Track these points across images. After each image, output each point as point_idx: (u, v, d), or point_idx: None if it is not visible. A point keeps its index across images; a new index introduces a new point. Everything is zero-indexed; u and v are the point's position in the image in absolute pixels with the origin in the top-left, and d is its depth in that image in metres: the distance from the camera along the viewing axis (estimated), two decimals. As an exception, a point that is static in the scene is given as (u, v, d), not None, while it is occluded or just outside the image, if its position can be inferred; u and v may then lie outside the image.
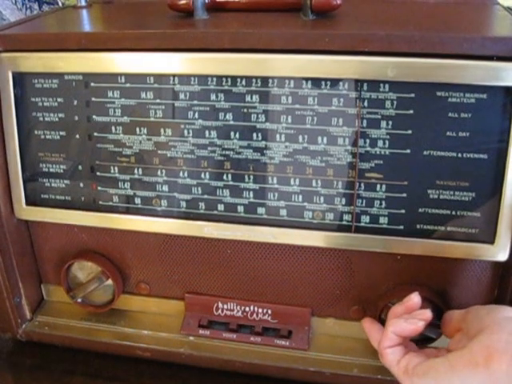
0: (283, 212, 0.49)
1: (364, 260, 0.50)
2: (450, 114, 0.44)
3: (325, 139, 0.46)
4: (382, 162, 0.46)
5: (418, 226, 0.47)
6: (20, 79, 0.50)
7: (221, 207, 0.50)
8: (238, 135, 0.48)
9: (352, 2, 0.51)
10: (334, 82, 0.45)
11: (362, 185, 0.47)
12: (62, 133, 0.51)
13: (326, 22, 0.48)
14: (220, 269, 0.54)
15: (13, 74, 0.50)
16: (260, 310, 0.54)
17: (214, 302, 0.55)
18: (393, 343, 0.43)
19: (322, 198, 0.48)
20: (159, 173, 0.50)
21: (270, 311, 0.54)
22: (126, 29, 0.50)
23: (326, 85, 0.45)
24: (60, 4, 0.70)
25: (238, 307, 0.55)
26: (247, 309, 0.55)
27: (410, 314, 0.43)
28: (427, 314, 0.42)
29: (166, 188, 0.50)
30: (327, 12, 0.48)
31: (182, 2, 0.50)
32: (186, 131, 0.48)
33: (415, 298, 0.43)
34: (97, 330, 0.57)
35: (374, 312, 0.51)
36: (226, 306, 0.55)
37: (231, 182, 0.49)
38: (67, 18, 0.59)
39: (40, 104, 0.51)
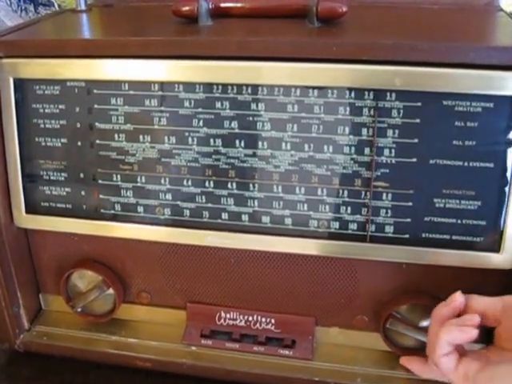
0: (288, 221, 0.50)
1: (369, 269, 0.51)
2: (456, 123, 0.45)
3: (331, 148, 0.47)
4: (388, 170, 0.47)
5: (423, 235, 0.48)
6: (21, 85, 0.51)
7: (225, 216, 0.51)
8: (243, 143, 0.49)
9: (356, 9, 0.52)
10: (341, 91, 0.46)
11: (368, 194, 0.48)
12: (63, 140, 0.52)
13: (332, 30, 0.49)
14: (223, 278, 0.54)
15: (14, 80, 0.50)
16: (263, 320, 0.55)
17: (217, 312, 0.56)
18: (446, 351, 0.42)
19: (327, 207, 0.49)
20: (162, 181, 0.51)
21: (273, 320, 0.55)
22: (128, 35, 0.51)
23: (332, 93, 0.46)
24: (56, 6, 0.71)
25: (241, 316, 0.55)
26: (250, 318, 0.55)
27: (459, 320, 0.42)
28: (476, 319, 0.42)
29: (169, 196, 0.51)
30: (333, 19, 0.49)
31: (186, 8, 0.51)
32: (190, 139, 0.49)
33: (460, 298, 0.43)
34: (96, 340, 0.57)
35: (379, 321, 0.52)
36: (228, 316, 0.56)
37: (236, 191, 0.50)
38: (67, 22, 0.60)
39: (41, 111, 0.52)
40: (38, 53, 0.50)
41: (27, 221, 0.55)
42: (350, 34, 0.49)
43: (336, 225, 0.49)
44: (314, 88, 0.46)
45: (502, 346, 0.43)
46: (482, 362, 0.41)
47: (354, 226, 0.49)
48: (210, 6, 0.52)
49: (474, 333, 0.41)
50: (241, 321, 0.56)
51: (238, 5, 0.52)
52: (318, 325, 0.55)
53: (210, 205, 0.51)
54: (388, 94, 0.45)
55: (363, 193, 0.48)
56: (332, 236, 0.49)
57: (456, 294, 0.44)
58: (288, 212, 0.49)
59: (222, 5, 0.52)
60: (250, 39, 0.46)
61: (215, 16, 0.53)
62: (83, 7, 0.61)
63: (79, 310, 0.57)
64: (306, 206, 0.49)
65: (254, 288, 0.54)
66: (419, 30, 0.51)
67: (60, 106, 0.51)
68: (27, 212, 0.54)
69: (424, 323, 0.51)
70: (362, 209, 0.48)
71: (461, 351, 0.43)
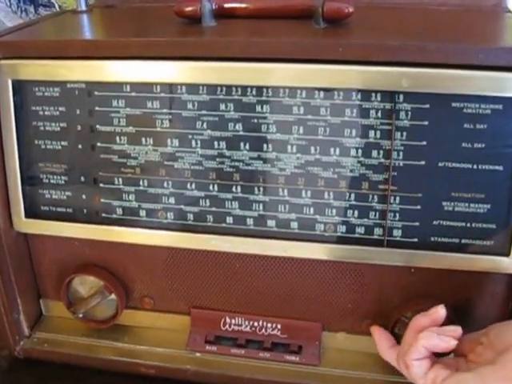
0: (294, 225, 0.49)
1: (376, 273, 0.51)
2: (465, 125, 0.45)
3: (337, 150, 0.47)
4: (395, 173, 0.46)
5: (432, 239, 0.47)
6: (20, 87, 0.50)
7: (229, 220, 0.50)
8: (247, 146, 0.48)
9: (362, 10, 0.51)
10: (347, 92, 0.45)
11: (375, 197, 0.47)
12: (63, 143, 0.51)
13: (338, 31, 0.48)
14: (228, 283, 0.54)
15: (12, 82, 0.50)
16: (269, 325, 0.55)
17: (221, 317, 0.55)
18: (421, 356, 0.43)
19: (334, 211, 0.48)
20: (165, 184, 0.50)
21: (279, 326, 0.54)
22: (130, 35, 0.50)
23: (338, 95, 0.45)
24: (57, 7, 0.70)
25: (246, 322, 0.55)
26: (256, 324, 0.55)
27: (440, 329, 0.43)
28: (459, 331, 0.43)
29: (172, 200, 0.50)
30: (339, 20, 0.49)
31: (189, 9, 0.50)
32: (193, 142, 0.49)
33: (441, 311, 0.44)
34: (98, 347, 0.57)
35: (387, 326, 0.51)
36: (233, 321, 0.55)
37: (240, 194, 0.49)
38: (68, 23, 0.59)
39: (41, 113, 0.51)
40: (37, 54, 0.49)
41: (27, 225, 0.54)
42: (357, 35, 0.49)
43: (343, 229, 0.49)
44: (320, 90, 0.45)
45: (474, 359, 0.43)
46: (451, 371, 0.42)
47: (361, 230, 0.48)
48: (214, 7, 0.51)
49: (452, 343, 0.43)
50: (246, 326, 0.55)
51: (243, 5, 0.52)
52: (325, 330, 0.54)
53: (214, 209, 0.50)
54: (396, 95, 0.44)
55: (370, 196, 0.47)
56: (339, 240, 0.49)
57: (439, 306, 0.45)
58: (294, 216, 0.49)
59: (226, 5, 0.52)
60: (255, 40, 0.45)
61: (219, 17, 0.52)
62: (84, 8, 0.60)
63: (81, 315, 0.57)
64: (312, 209, 0.48)
65: (260, 293, 0.54)
66: (426, 31, 0.51)
67: (60, 108, 0.50)
68: (27, 216, 0.53)
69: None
70: (369, 212, 0.48)
71: (432, 359, 0.44)
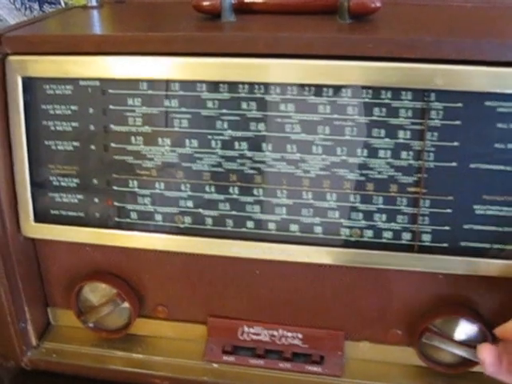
0: (318, 229, 0.47)
1: (403, 279, 0.49)
2: (498, 125, 0.43)
3: (365, 151, 0.45)
4: (425, 175, 0.45)
5: (462, 244, 0.46)
6: (30, 85, 0.48)
7: (250, 224, 0.48)
8: (270, 147, 0.46)
9: (386, 7, 0.49)
10: (377, 91, 0.43)
11: (404, 200, 0.45)
12: (75, 143, 0.49)
13: (365, 26, 0.46)
14: (246, 290, 0.52)
15: (22, 79, 0.48)
16: (289, 334, 0.52)
17: (239, 326, 0.53)
18: None
19: (360, 215, 0.46)
20: (183, 187, 0.48)
21: (300, 335, 0.52)
22: (144, 31, 0.48)
23: (367, 93, 0.44)
24: (62, 3, 0.68)
25: (266, 331, 0.53)
26: (275, 333, 0.53)
27: None
28: None
29: (190, 204, 0.48)
30: (365, 15, 0.47)
31: (208, 3, 0.48)
32: (213, 142, 0.47)
33: None
34: (110, 357, 0.55)
35: (414, 335, 0.49)
36: (252, 330, 0.53)
37: (262, 197, 0.47)
38: (77, 19, 0.57)
39: (52, 112, 0.49)
40: (48, 49, 0.47)
41: (36, 230, 0.52)
42: (385, 31, 0.47)
43: (369, 233, 0.47)
44: (347, 87, 0.44)
45: None
46: None
47: (388, 235, 0.46)
48: (234, 1, 0.49)
49: None
50: (265, 336, 0.53)
51: (264, 0, 0.50)
52: (348, 339, 0.52)
53: (234, 212, 0.48)
54: (427, 94, 0.43)
55: (399, 199, 0.45)
56: (365, 245, 0.47)
57: None
58: (318, 220, 0.47)
59: (246, 0, 0.50)
60: (280, 35, 0.43)
61: (238, 12, 0.50)
62: (94, 3, 0.58)
63: (91, 325, 0.54)
64: (337, 213, 0.47)
65: (280, 301, 0.52)
66: (456, 28, 0.49)
67: (72, 107, 0.48)
68: (36, 221, 0.51)
69: (462, 337, 0.49)
70: (397, 216, 0.46)
71: None
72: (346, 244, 0.47)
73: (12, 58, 0.47)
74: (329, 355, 0.52)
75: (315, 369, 0.52)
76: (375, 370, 0.52)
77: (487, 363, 0.42)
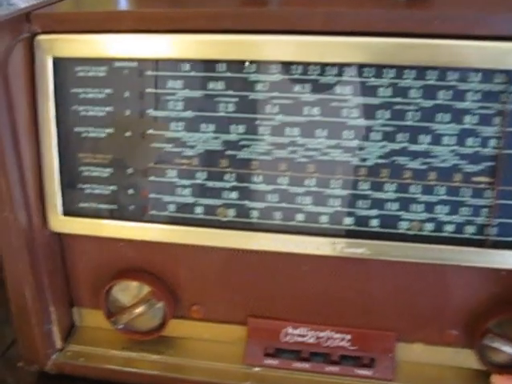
0: (374, 222, 0.44)
1: (462, 276, 0.46)
2: None
3: (428, 138, 0.42)
4: (493, 163, 0.42)
5: (531, 238, 0.43)
6: (60, 66, 0.44)
7: (300, 217, 0.45)
8: (325, 133, 0.43)
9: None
10: (442, 71, 0.40)
11: (469, 190, 0.42)
12: (108, 130, 0.46)
13: (424, 3, 0.43)
14: (291, 288, 0.48)
15: (53, 61, 0.44)
16: (337, 336, 0.49)
17: (283, 327, 0.50)
18: None
19: (420, 206, 0.43)
20: (227, 177, 0.45)
21: (348, 336, 0.49)
22: (184, 7, 0.45)
23: (431, 74, 0.40)
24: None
25: (311, 332, 0.49)
26: (322, 334, 0.49)
27: None
28: None
29: (234, 195, 0.45)
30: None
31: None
32: (262, 128, 0.43)
33: None
34: (141, 361, 0.51)
35: (472, 335, 0.46)
36: (296, 332, 0.50)
37: (314, 188, 0.44)
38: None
39: (83, 96, 0.45)
40: (81, 28, 0.44)
41: (64, 224, 0.48)
42: (448, 8, 0.44)
43: (430, 226, 0.43)
44: (411, 68, 0.40)
45: None
46: None
47: (450, 228, 0.43)
48: (280, -24, 0.46)
49: None
50: (310, 337, 0.49)
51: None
52: (400, 341, 0.49)
53: (283, 204, 0.45)
54: (499, 74, 0.40)
55: (463, 190, 0.42)
56: (424, 239, 0.44)
57: None
58: (375, 212, 0.44)
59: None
60: (340, 10, 0.40)
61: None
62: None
63: (121, 326, 0.51)
64: (396, 205, 0.43)
65: (327, 299, 0.48)
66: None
67: (106, 91, 0.45)
68: (64, 214, 0.48)
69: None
70: (460, 208, 0.43)
71: None
72: (405, 238, 0.44)
73: (42, 37, 0.44)
74: (379, 358, 0.49)
75: (365, 372, 0.48)
76: (429, 373, 0.48)
77: None
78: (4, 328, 0.60)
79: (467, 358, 0.48)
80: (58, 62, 0.44)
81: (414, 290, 0.47)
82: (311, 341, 0.50)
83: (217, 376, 0.50)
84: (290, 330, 0.50)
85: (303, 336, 0.50)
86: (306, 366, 0.49)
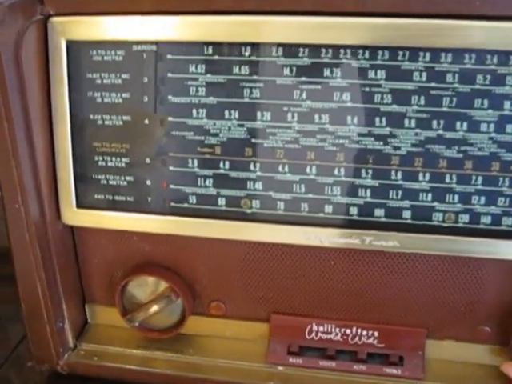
0: (407, 214, 0.42)
1: (498, 270, 0.44)
2: None
3: (464, 125, 0.40)
4: (533, 152, 0.40)
5: None
6: (75, 50, 0.42)
7: (328, 209, 0.43)
8: (356, 120, 0.41)
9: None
10: (481, 55, 0.38)
11: (507, 180, 0.41)
12: (125, 117, 0.43)
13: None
14: (317, 283, 0.47)
15: (67, 44, 0.42)
16: (364, 333, 0.47)
17: (307, 324, 0.48)
18: None
19: (456, 197, 0.41)
20: (252, 167, 0.43)
21: (376, 333, 0.47)
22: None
23: (470, 58, 0.38)
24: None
25: (337, 329, 0.48)
26: (348, 331, 0.48)
27: None
28: None
29: (259, 186, 0.43)
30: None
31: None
32: (289, 115, 0.41)
33: None
34: (158, 360, 0.49)
35: (506, 332, 0.45)
36: (321, 329, 0.48)
37: (344, 178, 0.42)
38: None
39: (99, 81, 0.43)
40: (97, 9, 0.41)
41: (78, 217, 0.46)
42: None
43: (465, 218, 0.42)
44: (447, 51, 0.39)
45: None
46: None
47: (486, 220, 0.41)
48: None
49: None
50: (336, 334, 0.48)
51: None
52: (430, 338, 0.47)
53: (310, 195, 0.43)
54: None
55: (501, 179, 0.41)
56: (459, 231, 0.42)
57: None
58: (407, 203, 0.42)
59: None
60: (372, -10, 0.38)
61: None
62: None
63: (137, 324, 0.49)
64: (430, 195, 0.42)
65: (354, 295, 0.47)
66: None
67: (123, 76, 0.43)
68: (78, 206, 0.46)
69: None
70: (498, 199, 0.41)
71: None
72: (438, 230, 0.42)
73: (55, 19, 0.42)
74: (408, 356, 0.47)
75: (394, 371, 0.46)
76: (460, 371, 0.47)
77: None
78: (11, 326, 0.59)
79: (500, 356, 0.46)
80: (72, 46, 0.42)
81: (446, 285, 0.45)
82: (337, 338, 0.48)
83: (238, 376, 0.48)
84: (315, 327, 0.48)
85: (329, 333, 0.48)
86: (331, 364, 0.47)
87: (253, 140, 0.42)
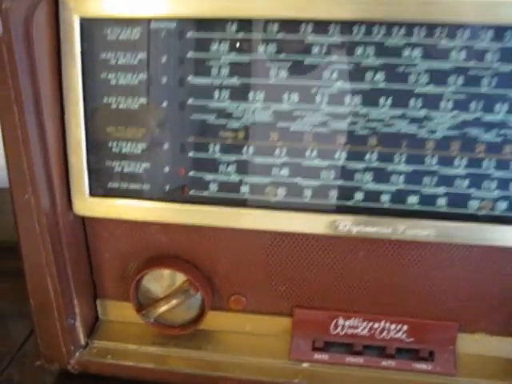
0: (442, 201, 0.40)
1: (535, 260, 0.42)
2: None
3: (505, 107, 0.38)
4: None
5: None
6: (88, 28, 0.40)
7: (359, 196, 0.41)
8: (389, 102, 0.39)
9: None
10: (524, 31, 0.37)
11: (548, 165, 0.39)
12: (142, 100, 0.41)
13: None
14: (343, 275, 0.44)
15: (80, 22, 0.40)
16: (392, 327, 0.45)
17: (333, 318, 0.46)
18: None
19: (494, 184, 0.39)
20: (277, 152, 0.41)
21: (405, 327, 0.45)
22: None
23: (511, 35, 0.37)
24: None
25: (364, 323, 0.46)
26: (376, 325, 0.46)
27: None
28: None
29: (285, 172, 0.41)
30: None
31: None
32: (318, 97, 0.39)
33: None
34: (176, 358, 0.47)
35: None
36: (347, 323, 0.46)
37: (376, 164, 0.40)
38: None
39: (113, 62, 0.40)
40: (111, -16, 0.39)
41: (91, 207, 0.43)
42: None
43: (503, 205, 0.40)
44: (487, 28, 0.37)
45: None
46: None
47: (525, 207, 0.40)
48: None
49: None
50: (363, 329, 0.46)
51: None
52: (461, 331, 0.45)
53: (340, 182, 0.41)
54: None
55: (542, 165, 0.39)
56: (496, 219, 0.40)
57: None
58: (443, 190, 0.40)
59: None
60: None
61: None
62: None
63: (152, 320, 0.47)
64: (466, 182, 0.40)
65: (382, 287, 0.45)
66: None
67: (139, 56, 0.40)
68: (91, 195, 0.43)
69: None
70: (537, 185, 0.40)
71: None
72: (474, 218, 0.40)
73: (67, -6, 0.40)
74: (439, 350, 0.45)
75: (424, 366, 0.45)
76: (493, 366, 0.45)
77: None
78: (17, 324, 0.56)
79: (534, 349, 0.45)
80: (85, 23, 0.39)
81: (480, 276, 0.43)
82: (364, 333, 0.46)
83: (261, 373, 0.46)
84: (341, 322, 0.46)
85: (356, 328, 0.46)
86: (359, 360, 0.45)
87: (279, 124, 0.40)
